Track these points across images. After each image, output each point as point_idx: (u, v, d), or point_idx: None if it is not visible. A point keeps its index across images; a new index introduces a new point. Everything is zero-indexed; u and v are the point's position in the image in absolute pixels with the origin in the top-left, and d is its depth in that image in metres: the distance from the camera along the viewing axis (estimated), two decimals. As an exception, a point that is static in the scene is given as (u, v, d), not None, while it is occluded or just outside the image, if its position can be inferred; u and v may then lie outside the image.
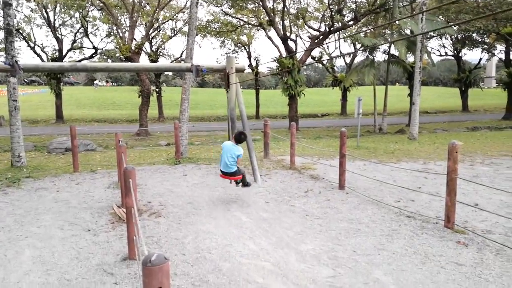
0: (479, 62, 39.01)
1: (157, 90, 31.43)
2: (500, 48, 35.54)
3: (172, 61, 31.33)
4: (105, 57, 30.25)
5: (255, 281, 4.07)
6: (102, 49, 30.14)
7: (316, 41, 24.31)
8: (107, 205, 6.98)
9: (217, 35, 30.01)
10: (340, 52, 39.50)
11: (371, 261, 4.53)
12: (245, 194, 7.59)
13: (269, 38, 29.11)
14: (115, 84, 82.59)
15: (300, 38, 38.03)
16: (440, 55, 41.28)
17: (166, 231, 5.60)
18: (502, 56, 33.84)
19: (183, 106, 11.90)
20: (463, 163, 10.26)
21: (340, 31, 26.11)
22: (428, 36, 24.39)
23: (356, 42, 25.66)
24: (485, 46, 35.03)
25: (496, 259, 4.53)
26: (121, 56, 22.47)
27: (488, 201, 6.91)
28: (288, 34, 25.46)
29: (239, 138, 6.68)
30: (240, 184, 6.98)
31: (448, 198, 5.43)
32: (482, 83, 43.17)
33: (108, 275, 4.29)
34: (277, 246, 5.02)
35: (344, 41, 33.60)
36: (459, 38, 33.80)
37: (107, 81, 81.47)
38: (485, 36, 32.34)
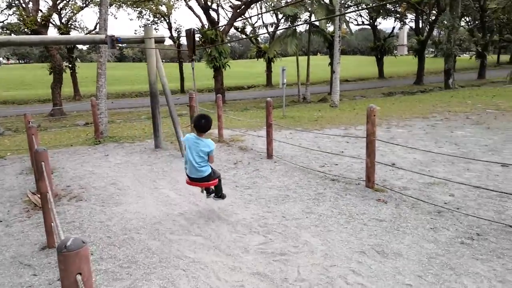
0: (392, 31, 41.27)
1: (70, 66, 29.13)
2: (410, 17, 37.86)
3: (86, 34, 29.19)
4: (7, 31, 27.35)
5: (187, 256, 4.00)
6: (3, 22, 27.16)
7: (238, 10, 23.98)
8: (20, 192, 6.41)
9: (134, 5, 28.40)
10: (263, 23, 39.52)
11: (299, 224, 4.65)
12: (172, 170, 7.39)
13: (190, 7, 28.20)
14: (22, 62, 75.34)
15: (222, 8, 37.32)
16: (358, 25, 43.03)
17: (88, 215, 5.28)
18: (413, 24, 36.15)
19: (99, 82, 11.17)
20: (380, 126, 10.89)
21: (262, 0, 25.98)
22: (346, 5, 25.16)
23: (278, 12, 25.74)
24: (397, 15, 37.07)
25: (412, 213, 4.88)
26: (26, 30, 20.42)
27: (404, 160, 7.42)
28: (209, 3, 24.81)
29: (200, 124, 4.59)
30: (213, 194, 5.08)
31: (368, 160, 5.72)
32: (396, 51, 45.80)
33: (25, 267, 3.95)
34: (208, 219, 4.97)
35: (267, 11, 33.58)
36: (374, 7, 35.36)
37: (8, 58, 72.80)
38: (397, 5, 34.15)
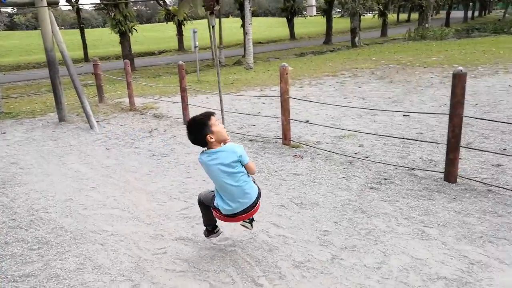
0: (300, -9, 41.87)
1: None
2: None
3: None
4: None
5: (104, 230, 3.80)
6: None
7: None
8: None
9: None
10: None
11: (220, 187, 4.64)
12: (81, 144, 6.90)
13: (88, -32, 25.77)
14: None
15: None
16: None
17: (-13, 199, 4.76)
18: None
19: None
20: (294, 86, 11.14)
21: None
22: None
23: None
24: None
25: (326, 165, 5.11)
26: None
27: (317, 116, 7.70)
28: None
29: (197, 130, 2.86)
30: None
31: (283, 118, 5.82)
32: (305, 12, 46.76)
33: None
34: (125, 191, 4.75)
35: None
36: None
37: None
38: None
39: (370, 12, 43.71)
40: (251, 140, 6.41)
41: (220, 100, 3.02)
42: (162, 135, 7.10)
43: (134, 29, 22.12)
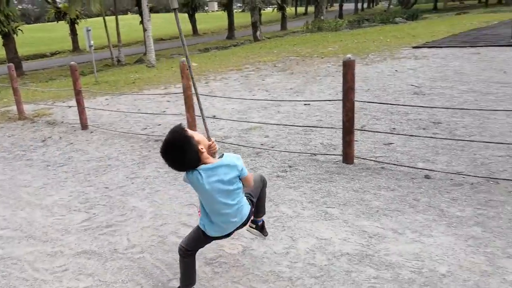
0: (199, -13, 41.56)
1: None
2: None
3: None
4: None
5: (-8, 256, 3.40)
6: None
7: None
8: None
9: None
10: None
11: (125, 192, 4.42)
12: (-38, 160, 6.11)
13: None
14: None
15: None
16: (164, -19, 41.82)
17: None
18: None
19: None
20: (199, 82, 11.03)
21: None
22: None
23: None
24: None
25: (234, 158, 5.14)
26: None
27: (223, 111, 7.71)
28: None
29: (187, 147, 2.30)
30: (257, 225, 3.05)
31: (188, 115, 5.73)
32: (207, 7, 46.59)
33: None
34: (16, 208, 4.30)
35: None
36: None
37: None
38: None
39: (270, 6, 44.97)
40: (156, 141, 6.20)
41: (198, 100, 2.71)
42: (57, 143, 6.56)
43: (19, 29, 20.16)
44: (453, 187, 3.89)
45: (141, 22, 21.70)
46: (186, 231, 3.46)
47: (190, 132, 2.36)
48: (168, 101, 8.97)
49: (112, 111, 8.22)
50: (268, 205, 3.82)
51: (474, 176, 4.08)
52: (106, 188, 4.56)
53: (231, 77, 11.53)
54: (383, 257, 2.94)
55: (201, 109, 2.89)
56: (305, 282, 2.72)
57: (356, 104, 4.75)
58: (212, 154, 2.48)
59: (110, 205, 4.14)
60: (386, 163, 4.58)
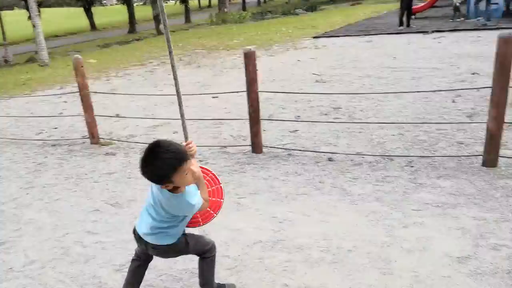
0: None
1: None
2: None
3: None
4: None
5: None
6: None
7: None
8: None
9: None
10: None
11: (19, 204, 4.00)
12: None
13: None
14: None
15: None
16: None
17: None
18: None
19: None
20: (100, 80, 10.43)
21: None
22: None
23: None
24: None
25: (137, 156, 4.93)
26: None
27: (127, 109, 7.36)
28: None
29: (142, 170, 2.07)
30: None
31: (87, 115, 5.36)
32: (104, 1, 44.05)
33: None
34: None
35: None
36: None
37: None
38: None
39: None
40: (53, 145, 5.72)
41: (179, 99, 2.16)
42: None
43: None
44: (354, 167, 4.15)
45: (29, 17, 19.83)
46: (92, 239, 3.26)
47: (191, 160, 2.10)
48: (65, 102, 8.33)
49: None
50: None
51: (372, 155, 4.40)
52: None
53: (134, 72, 11.06)
54: (294, 240, 3.03)
55: (181, 107, 2.47)
56: (219, 275, 2.70)
57: (262, 95, 4.84)
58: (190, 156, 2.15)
59: (2, 220, 3.72)
60: (292, 149, 4.74)
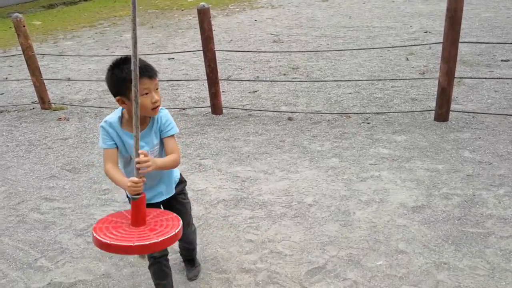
0: None
1: None
2: None
3: None
4: None
5: None
6: None
7: None
8: None
9: None
10: None
11: (-33, 174, 3.80)
12: None
13: None
14: None
15: None
16: None
17: None
18: None
19: None
20: (47, 42, 9.80)
21: None
22: None
23: None
24: None
25: (96, 122, 4.75)
26: None
27: (79, 72, 7.01)
28: None
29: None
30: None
31: (34, 79, 5.05)
32: (44, -43, 40.63)
33: None
34: None
35: None
36: None
37: None
38: None
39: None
40: (1, 112, 5.39)
41: (135, 89, 1.53)
42: None
43: None
44: (313, 125, 4.22)
45: (-39, -27, 18.02)
46: (50, 205, 3.18)
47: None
48: (10, 66, 7.81)
49: None
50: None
51: (330, 113, 4.48)
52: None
53: (84, 34, 10.47)
54: (256, 197, 3.09)
55: (136, 102, 1.61)
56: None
57: (220, 55, 4.76)
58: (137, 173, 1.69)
59: (-51, 191, 3.52)
60: (253, 110, 4.73)
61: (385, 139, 3.78)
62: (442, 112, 3.97)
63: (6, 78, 7.00)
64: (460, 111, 4.15)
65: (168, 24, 10.88)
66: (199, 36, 4.47)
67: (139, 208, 1.69)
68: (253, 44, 7.85)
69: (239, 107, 4.82)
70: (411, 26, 8.05)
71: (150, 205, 1.88)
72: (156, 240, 1.59)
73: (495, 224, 2.58)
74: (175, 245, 2.41)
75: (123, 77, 1.76)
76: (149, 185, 1.89)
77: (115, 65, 1.82)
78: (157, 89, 1.84)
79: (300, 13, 10.71)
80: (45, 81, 5.26)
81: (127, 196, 1.97)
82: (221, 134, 4.19)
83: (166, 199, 2.08)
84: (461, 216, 2.68)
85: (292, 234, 2.66)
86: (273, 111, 4.66)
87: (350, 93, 5.02)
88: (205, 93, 5.35)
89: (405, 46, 6.29)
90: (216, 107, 4.62)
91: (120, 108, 1.92)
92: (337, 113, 4.46)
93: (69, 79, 6.53)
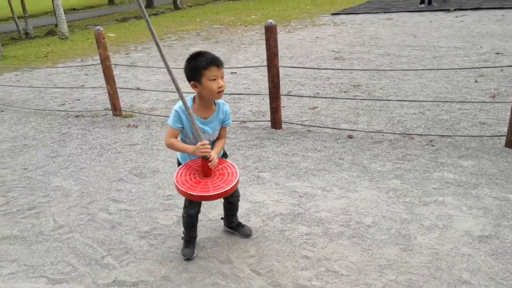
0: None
1: None
2: None
3: None
4: None
5: None
6: None
7: None
8: None
9: None
10: None
11: (46, 172, 4.14)
12: None
13: None
14: None
15: None
16: None
17: None
18: None
19: None
20: (119, 53, 10.48)
21: None
22: None
23: None
24: None
25: (162, 130, 5.01)
26: None
27: (148, 82, 7.42)
28: None
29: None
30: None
31: (109, 87, 5.43)
32: (120, -26, 43.48)
33: None
34: None
35: None
36: None
37: None
38: None
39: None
40: (77, 116, 5.84)
41: (176, 87, 2.11)
42: (-38, 125, 5.91)
43: None
44: (374, 145, 4.15)
45: (48, -11, 19.82)
46: (118, 207, 3.37)
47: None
48: (86, 75, 8.43)
49: (24, 87, 7.55)
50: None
51: (392, 133, 4.39)
52: (25, 169, 4.23)
53: (153, 47, 11.07)
54: (313, 214, 3.09)
55: (181, 96, 2.18)
56: (241, 246, 2.79)
57: (281, 71, 4.82)
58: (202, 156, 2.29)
59: (31, 186, 3.86)
60: (312, 126, 4.75)
61: (450, 163, 3.64)
62: (514, 138, 3.76)
63: (83, 85, 7.56)
64: (535, 138, 3.90)
65: (231, 39, 11.22)
66: (261, 52, 4.62)
67: (207, 166, 2.28)
68: (314, 60, 7.90)
69: (298, 123, 4.86)
70: (481, 47, 7.70)
71: None
72: (227, 188, 2.23)
73: None
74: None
75: (197, 65, 2.24)
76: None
77: (191, 57, 2.30)
78: (222, 77, 2.30)
79: (363, 30, 10.62)
80: (117, 90, 5.62)
81: (179, 163, 2.57)
82: (280, 148, 4.24)
83: None
84: (533, 250, 2.52)
85: (349, 254, 2.63)
86: (332, 128, 4.65)
87: (414, 113, 4.89)
88: (265, 107, 5.46)
89: (474, 68, 6.04)
90: (276, 122, 4.70)
91: (191, 96, 2.41)
92: (399, 134, 4.36)
93: (138, 89, 6.93)
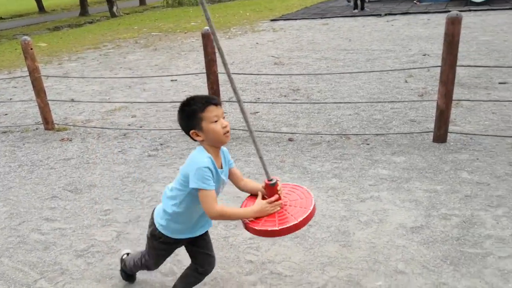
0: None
1: None
2: None
3: None
4: None
5: None
6: None
7: None
8: None
9: None
10: None
11: (-30, 194, 3.83)
12: None
13: None
14: None
15: None
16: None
17: None
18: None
19: None
20: (51, 63, 9.98)
21: None
22: None
23: None
24: None
25: (99, 142, 4.82)
26: None
27: (83, 93, 7.12)
28: None
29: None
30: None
31: (39, 100, 5.14)
32: (51, -19, 41.56)
33: None
34: None
35: None
36: None
37: None
38: None
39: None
40: (4, 132, 5.46)
41: (239, 102, 1.75)
42: None
43: None
44: (313, 146, 4.26)
45: (-30, -3, 18.45)
46: (51, 226, 3.19)
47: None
48: (15, 87, 7.94)
49: None
50: (141, 186, 3.71)
51: (330, 134, 4.52)
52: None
53: (88, 56, 10.66)
54: (256, 218, 3.09)
55: (245, 117, 1.95)
56: (184, 257, 2.72)
57: (222, 77, 4.81)
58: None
59: (-49, 211, 3.55)
60: (254, 130, 4.77)
61: (384, 160, 3.81)
62: (440, 134, 4.01)
63: (11, 99, 7.10)
64: (458, 133, 4.20)
65: (171, 46, 11.07)
66: (201, 58, 4.57)
67: (276, 190, 2.01)
68: (254, 66, 7.98)
69: (240, 128, 4.87)
70: (410, 49, 8.18)
71: (194, 238, 2.16)
72: (296, 222, 1.85)
73: (493, 245, 2.58)
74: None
75: (193, 110, 1.85)
76: (201, 221, 2.14)
77: (183, 104, 1.90)
78: (224, 116, 1.95)
79: (301, 36, 10.90)
80: (49, 102, 5.34)
81: (165, 242, 2.13)
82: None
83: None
84: (459, 237, 2.69)
85: (292, 255, 2.66)
86: (273, 132, 4.71)
87: (350, 114, 5.08)
88: (207, 114, 5.42)
89: (404, 69, 6.39)
90: (217, 128, 4.67)
91: (199, 148, 1.92)
92: (337, 134, 4.50)
93: (72, 100, 6.62)
